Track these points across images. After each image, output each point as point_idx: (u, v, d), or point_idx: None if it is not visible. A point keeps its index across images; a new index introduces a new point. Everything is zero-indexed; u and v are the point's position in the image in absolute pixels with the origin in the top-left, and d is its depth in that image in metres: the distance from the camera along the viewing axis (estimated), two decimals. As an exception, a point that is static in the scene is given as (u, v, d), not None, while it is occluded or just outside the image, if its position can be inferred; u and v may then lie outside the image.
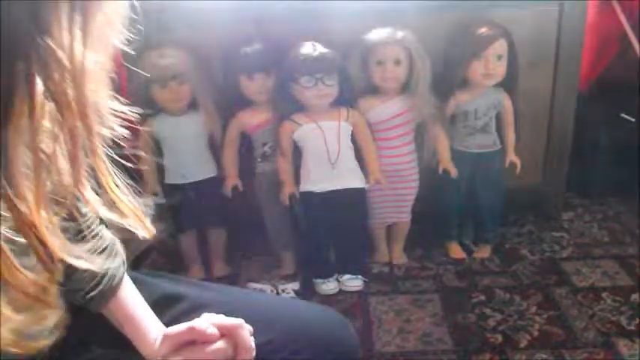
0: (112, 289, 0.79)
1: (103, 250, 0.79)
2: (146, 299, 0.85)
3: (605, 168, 2.12)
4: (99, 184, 0.53)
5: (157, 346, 0.75)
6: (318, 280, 1.74)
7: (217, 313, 0.84)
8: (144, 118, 1.71)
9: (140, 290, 0.90)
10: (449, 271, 1.81)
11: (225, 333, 0.71)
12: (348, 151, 1.68)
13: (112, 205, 0.55)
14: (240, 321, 0.73)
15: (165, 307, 0.83)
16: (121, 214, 0.57)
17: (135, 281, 0.92)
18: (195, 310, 0.80)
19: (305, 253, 1.79)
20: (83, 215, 0.84)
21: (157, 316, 0.81)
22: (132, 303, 0.82)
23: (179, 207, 1.77)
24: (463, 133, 1.77)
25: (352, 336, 0.91)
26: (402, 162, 1.74)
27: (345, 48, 1.66)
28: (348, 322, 0.92)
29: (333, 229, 1.72)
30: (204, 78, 1.68)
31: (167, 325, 0.79)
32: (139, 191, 0.60)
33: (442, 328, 1.57)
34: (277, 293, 1.72)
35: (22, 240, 0.47)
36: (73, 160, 0.49)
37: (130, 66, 1.83)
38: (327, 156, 1.65)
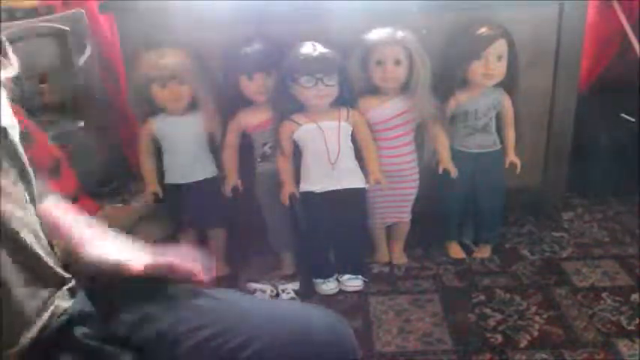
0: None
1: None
2: (144, 306, 0.86)
3: (605, 168, 2.12)
4: None
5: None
6: (318, 280, 1.74)
7: (213, 319, 0.85)
8: (144, 118, 1.72)
9: (139, 296, 0.90)
10: (449, 271, 1.81)
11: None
12: (348, 151, 1.68)
13: None
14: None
15: (163, 314, 0.83)
16: None
17: (132, 288, 0.93)
18: (191, 316, 0.81)
19: (305, 253, 1.79)
20: None
21: (154, 320, 0.82)
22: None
23: (179, 207, 1.77)
24: (463, 133, 1.77)
25: (351, 338, 0.91)
26: (402, 162, 1.74)
27: (345, 48, 1.66)
28: (346, 324, 0.93)
29: (333, 229, 1.72)
30: (204, 78, 1.68)
31: (162, 333, 0.79)
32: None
33: (442, 328, 1.57)
34: (277, 293, 1.72)
35: None
36: None
37: (129, 66, 1.83)
38: (327, 156, 1.65)
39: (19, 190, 0.81)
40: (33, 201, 0.85)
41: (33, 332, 0.77)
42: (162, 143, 1.73)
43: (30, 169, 0.85)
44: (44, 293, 0.81)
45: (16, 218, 0.78)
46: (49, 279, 0.83)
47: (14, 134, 0.82)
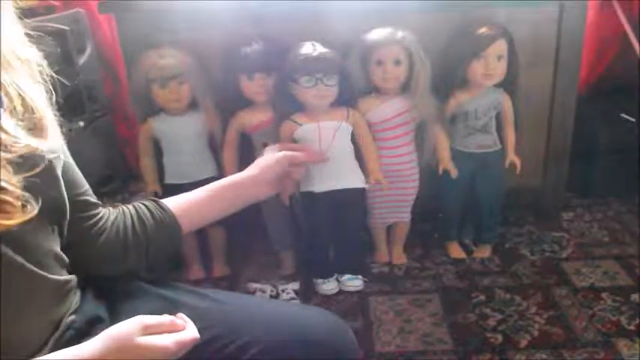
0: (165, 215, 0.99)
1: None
2: (144, 306, 0.86)
3: (605, 168, 2.12)
4: None
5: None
6: (318, 280, 1.74)
7: (214, 321, 0.85)
8: (144, 118, 1.72)
9: (139, 297, 0.90)
10: (449, 271, 1.81)
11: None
12: (348, 151, 1.68)
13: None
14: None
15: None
16: None
17: (134, 288, 0.92)
18: (191, 318, 0.80)
19: (305, 253, 1.80)
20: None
21: None
22: (186, 200, 1.05)
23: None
24: (463, 133, 1.77)
25: (351, 339, 0.91)
26: (402, 162, 1.74)
27: (345, 48, 1.66)
28: (346, 326, 0.93)
29: (333, 229, 1.72)
30: (204, 78, 1.68)
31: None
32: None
33: (442, 328, 1.57)
34: (277, 293, 1.72)
35: None
36: None
37: (129, 66, 1.83)
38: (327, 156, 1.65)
39: (43, 220, 0.78)
40: (61, 226, 0.84)
41: (46, 352, 0.76)
42: (162, 143, 1.73)
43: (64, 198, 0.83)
44: (57, 315, 0.80)
45: (31, 253, 0.76)
46: (60, 299, 0.82)
47: (57, 164, 0.80)
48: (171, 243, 1.00)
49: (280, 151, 1.28)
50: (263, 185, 1.18)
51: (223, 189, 1.11)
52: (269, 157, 1.25)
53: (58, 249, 0.82)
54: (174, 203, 1.01)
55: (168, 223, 0.99)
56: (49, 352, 0.75)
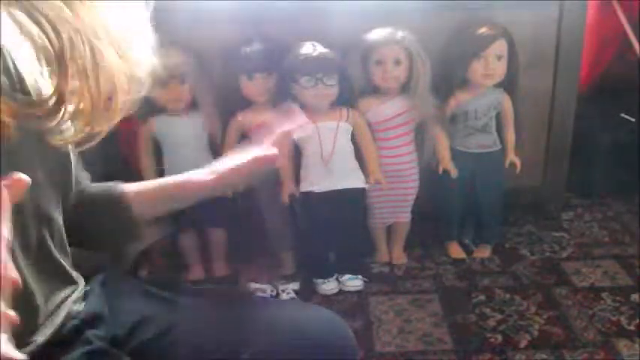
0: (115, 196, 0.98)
1: None
2: (145, 306, 0.86)
3: (605, 168, 2.12)
4: None
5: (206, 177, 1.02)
6: (318, 280, 1.74)
7: (214, 320, 0.85)
8: (144, 118, 1.71)
9: (138, 297, 0.90)
10: (449, 271, 1.81)
11: None
12: (348, 151, 1.68)
13: None
14: None
15: (162, 315, 0.83)
16: None
17: (134, 288, 0.92)
18: (190, 318, 0.80)
19: (305, 253, 1.79)
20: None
21: (153, 322, 0.82)
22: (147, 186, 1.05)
23: (179, 207, 1.76)
24: (463, 133, 1.77)
25: (350, 338, 0.91)
26: (402, 162, 1.74)
27: (345, 48, 1.66)
28: (345, 324, 0.93)
29: (333, 229, 1.72)
30: (204, 78, 1.68)
31: (161, 332, 0.79)
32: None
33: (442, 328, 1.57)
34: (277, 293, 1.72)
35: None
36: None
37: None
38: (327, 156, 1.65)
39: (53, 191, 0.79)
40: (65, 199, 0.84)
41: (45, 334, 0.76)
42: (163, 143, 1.73)
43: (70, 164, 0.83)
44: (59, 296, 0.80)
45: (45, 221, 0.77)
46: (65, 282, 0.82)
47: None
48: (111, 213, 1.00)
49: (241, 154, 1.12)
50: (215, 188, 1.10)
51: (175, 187, 1.11)
52: (225, 164, 1.09)
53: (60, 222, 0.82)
54: (133, 185, 1.04)
55: (114, 196, 1.01)
56: (47, 339, 0.75)
